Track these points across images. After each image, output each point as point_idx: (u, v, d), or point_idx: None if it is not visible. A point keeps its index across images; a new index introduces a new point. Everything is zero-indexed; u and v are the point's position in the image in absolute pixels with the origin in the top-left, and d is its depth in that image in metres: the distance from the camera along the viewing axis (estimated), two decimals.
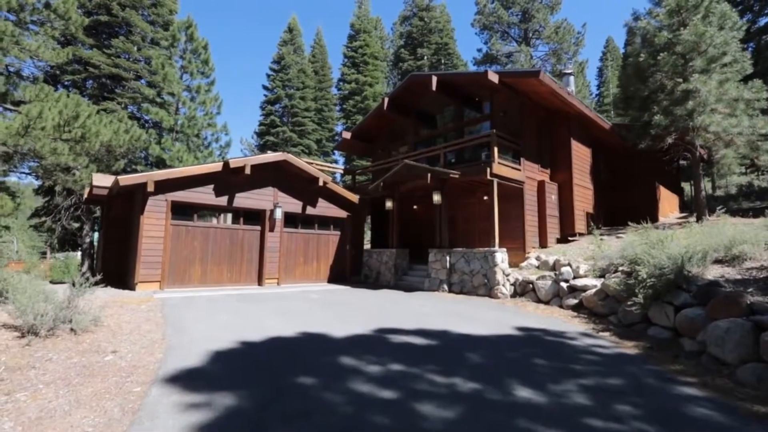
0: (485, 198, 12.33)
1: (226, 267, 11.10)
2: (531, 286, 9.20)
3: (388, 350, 4.94)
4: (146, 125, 23.27)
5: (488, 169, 10.26)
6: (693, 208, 23.72)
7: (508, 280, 9.80)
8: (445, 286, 10.76)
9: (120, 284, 9.81)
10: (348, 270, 13.92)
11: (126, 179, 9.04)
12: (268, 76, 41.83)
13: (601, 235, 13.42)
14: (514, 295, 9.52)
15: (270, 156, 11.58)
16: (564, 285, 8.35)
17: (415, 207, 14.79)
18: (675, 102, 13.17)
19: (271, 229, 11.96)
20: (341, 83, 37.57)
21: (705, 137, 13.14)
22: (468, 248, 10.95)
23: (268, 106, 40.86)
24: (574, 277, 8.41)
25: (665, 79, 13.89)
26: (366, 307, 8.21)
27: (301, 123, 40.03)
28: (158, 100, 21.39)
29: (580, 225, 12.77)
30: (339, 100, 38.93)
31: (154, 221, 9.68)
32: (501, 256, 10.01)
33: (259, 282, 11.68)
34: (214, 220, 11.16)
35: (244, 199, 11.42)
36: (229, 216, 11.62)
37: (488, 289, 9.84)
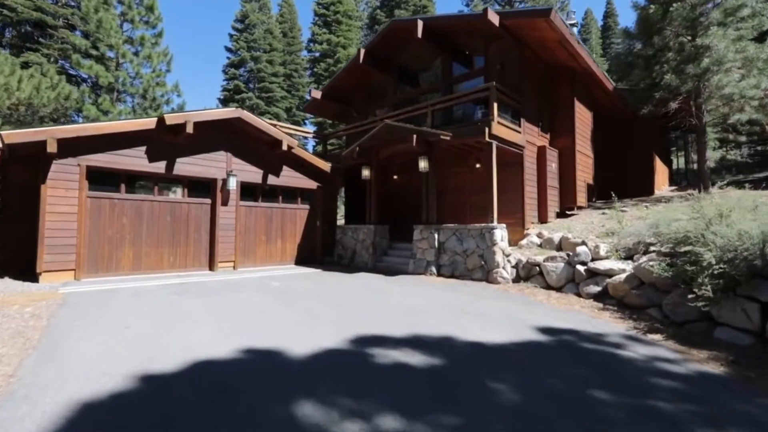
0: (478, 166, 10.67)
1: (167, 249, 9.04)
2: (538, 268, 7.72)
3: (373, 381, 3.25)
4: (85, 83, 20.03)
5: (486, 129, 8.53)
6: (688, 180, 23.18)
7: (509, 261, 8.29)
8: (434, 269, 9.16)
9: (23, 275, 7.62)
10: (319, 249, 12.10)
11: (13, 135, 6.69)
12: (231, 36, 38.06)
13: (598, 208, 12.17)
14: (516, 279, 8.04)
15: (219, 112, 9.37)
16: (581, 268, 6.88)
17: (395, 177, 12.98)
18: (686, 59, 11.74)
19: (225, 203, 9.89)
20: (312, 44, 34.45)
21: (716, 100, 11.88)
22: (460, 224, 9.33)
23: (232, 70, 37.26)
24: (593, 259, 6.95)
25: (674, 36, 12.41)
26: (340, 299, 6.48)
27: (268, 89, 36.83)
28: (93, 52, 18.16)
29: (581, 197, 11.39)
30: (309, 62, 35.84)
31: (62, 192, 7.44)
32: (501, 234, 8.45)
33: (211, 266, 9.71)
34: (151, 192, 8.96)
35: (189, 166, 9.24)
36: (174, 187, 9.44)
37: (485, 273, 8.32)
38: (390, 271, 9.93)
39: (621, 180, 14.59)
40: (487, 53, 10.86)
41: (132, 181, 8.64)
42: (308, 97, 15.24)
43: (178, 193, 9.41)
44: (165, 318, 5.04)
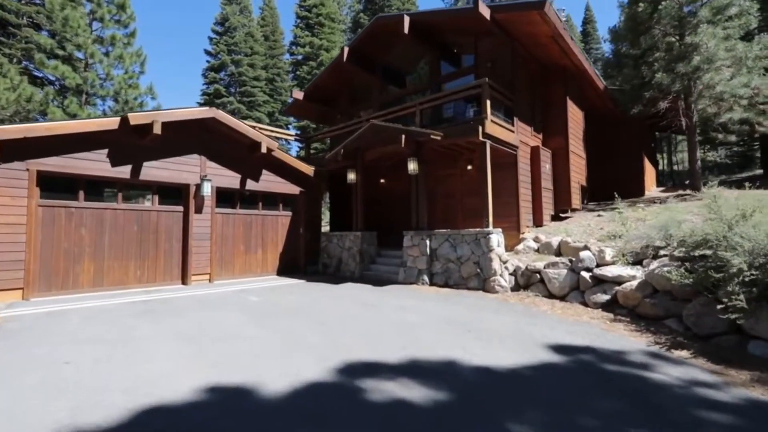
0: (470, 168, 10.17)
1: (134, 262, 8.19)
2: (538, 276, 7.20)
3: (365, 427, 2.61)
4: (52, 85, 18.86)
5: (480, 128, 8.02)
6: (674, 180, 23.26)
7: (506, 268, 7.75)
8: (426, 278, 8.57)
9: None
10: (302, 258, 11.38)
11: None
12: (211, 39, 37.18)
13: (592, 210, 11.82)
14: (516, 287, 7.50)
15: (191, 111, 8.61)
16: (586, 275, 6.39)
17: (382, 181, 12.39)
18: (676, 58, 11.56)
19: (198, 210, 9.11)
20: (294, 47, 33.73)
21: (707, 99, 11.71)
22: (453, 229, 8.78)
23: (212, 74, 36.30)
24: (598, 265, 6.46)
25: (663, 36, 12.25)
26: (324, 315, 5.80)
27: (250, 93, 35.97)
28: (60, 52, 17.08)
29: (575, 199, 11.01)
30: (291, 65, 35.12)
31: (7, 201, 6.57)
32: (497, 239, 7.92)
33: (184, 280, 8.88)
34: (114, 200, 8.12)
35: (158, 170, 8.45)
36: (141, 194, 8.61)
37: (482, 281, 7.76)
38: (379, 281, 9.29)
39: (611, 181, 14.31)
40: (476, 51, 10.42)
41: (92, 187, 7.80)
42: (291, 100, 14.54)
43: (146, 200, 8.59)
44: (119, 346, 4.28)
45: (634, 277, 5.71)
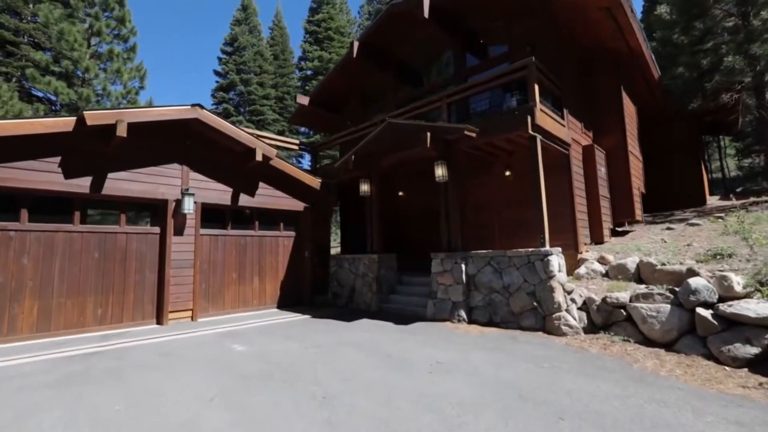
0: (508, 173, 8.35)
1: (94, 298, 6.51)
2: (623, 312, 5.23)
3: None
4: (51, 103, 17.95)
5: (529, 118, 6.24)
6: (726, 187, 20.86)
7: (572, 301, 5.80)
8: (462, 313, 6.64)
9: None
10: (308, 287, 9.57)
11: None
12: (220, 59, 36.83)
13: (655, 223, 9.79)
14: (591, 328, 5.52)
15: (167, 110, 7.07)
16: (705, 313, 4.41)
17: (401, 193, 10.63)
18: (748, 39, 9.68)
19: (179, 231, 7.46)
20: (303, 62, 32.96)
21: None
22: (492, 250, 6.90)
23: (221, 93, 35.72)
24: (722, 299, 4.49)
25: (726, 15, 10.43)
26: (329, 383, 3.94)
27: (259, 112, 35.17)
28: (56, 69, 16.15)
29: (638, 209, 9.03)
30: (300, 80, 34.23)
31: None
32: (558, 262, 6.01)
33: (159, 318, 7.16)
34: (70, 220, 6.51)
35: (126, 183, 6.86)
36: (106, 212, 7.03)
37: (540, 318, 5.81)
38: (401, 317, 7.40)
39: (665, 189, 12.32)
40: (510, 35, 8.75)
41: (40, 205, 6.22)
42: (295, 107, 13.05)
43: (112, 221, 6.99)
44: None
45: None
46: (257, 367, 4.48)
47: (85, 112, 6.01)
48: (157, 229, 7.34)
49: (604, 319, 5.39)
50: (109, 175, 6.67)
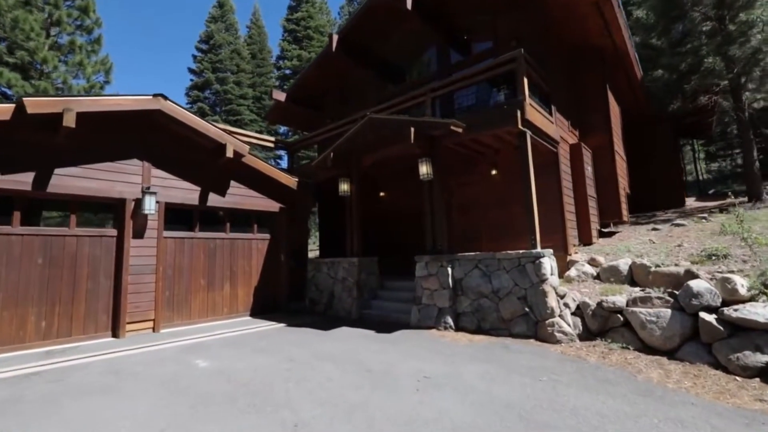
0: (494, 172, 8.03)
1: (37, 310, 5.76)
2: (620, 317, 4.92)
3: None
4: (7, 97, 16.64)
5: (518, 113, 5.90)
6: (700, 188, 21.32)
7: (565, 305, 5.47)
8: (449, 319, 6.23)
9: None
10: (284, 293, 8.98)
11: None
12: (195, 57, 35.72)
13: (640, 224, 9.68)
14: (586, 335, 5.18)
15: (126, 100, 6.39)
16: (709, 318, 4.13)
17: (382, 194, 10.18)
18: (728, 41, 9.73)
19: (139, 234, 6.77)
20: (281, 61, 32.20)
21: None
22: (480, 252, 6.53)
23: (195, 92, 34.61)
24: (726, 302, 4.22)
25: (704, 18, 10.49)
26: (301, 406, 3.42)
27: (236, 112, 34.17)
28: (10, 59, 14.97)
29: (624, 210, 8.88)
30: (278, 80, 33.42)
31: None
32: (550, 264, 5.67)
33: (115, 330, 6.44)
34: (7, 221, 5.75)
35: (77, 180, 6.14)
36: (53, 213, 6.28)
37: (532, 325, 5.45)
38: (383, 324, 6.92)
39: (646, 190, 12.34)
40: (496, 30, 8.47)
41: None
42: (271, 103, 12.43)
43: (62, 222, 6.24)
44: None
45: None
46: (220, 389, 3.91)
47: (25, 99, 5.30)
48: (113, 232, 6.62)
49: (600, 324, 5.07)
50: (57, 170, 5.94)
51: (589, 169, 8.31)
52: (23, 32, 14.41)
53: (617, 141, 9.11)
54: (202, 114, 33.58)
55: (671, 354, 4.32)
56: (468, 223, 8.50)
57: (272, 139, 11.20)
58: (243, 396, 3.69)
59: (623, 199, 8.87)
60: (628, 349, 4.64)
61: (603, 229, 8.87)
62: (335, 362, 4.72)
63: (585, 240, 7.82)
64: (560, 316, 5.31)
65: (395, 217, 9.74)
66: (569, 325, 5.24)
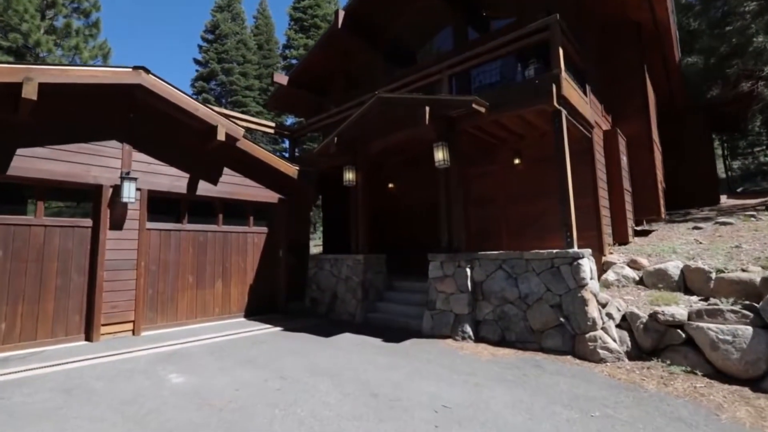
0: (516, 162, 7.12)
1: None
2: (680, 333, 4.04)
3: None
4: None
5: (554, 88, 5.01)
6: (729, 186, 20.13)
7: (610, 317, 4.59)
8: (468, 329, 5.38)
9: None
10: (282, 293, 8.20)
11: None
12: (200, 47, 35.04)
13: (677, 221, 8.73)
14: (636, 353, 4.30)
15: (100, 71, 5.62)
16: None
17: (391, 185, 9.34)
18: None
19: (117, 225, 6.01)
20: (287, 50, 31.40)
21: None
22: (508, 251, 5.67)
23: (201, 83, 33.87)
24: None
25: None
26: None
27: (242, 103, 33.48)
28: (3, 43, 14.34)
29: (662, 206, 7.94)
30: (284, 69, 32.55)
31: None
32: (588, 266, 4.80)
33: (88, 333, 5.70)
34: None
35: (45, 162, 5.39)
36: (12, 200, 5.55)
37: (569, 338, 4.58)
38: (391, 329, 6.11)
39: (680, 186, 11.34)
40: (521, 1, 7.54)
41: None
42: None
43: (26, 210, 5.51)
44: None
45: None
46: (188, 417, 3.13)
47: None
48: (88, 222, 5.87)
49: (654, 341, 4.19)
50: (19, 151, 5.19)
51: (624, 160, 7.39)
52: (17, 14, 13.76)
53: (654, 130, 8.16)
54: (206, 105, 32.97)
55: (755, 384, 3.44)
56: (485, 218, 7.64)
57: (271, 124, 10.41)
58: (215, 428, 2.90)
59: (661, 194, 7.93)
60: (695, 374, 3.76)
61: (637, 227, 7.96)
62: (334, 380, 3.92)
63: (620, 239, 6.91)
64: (603, 329, 4.44)
65: (406, 210, 8.90)
66: (615, 340, 4.37)
